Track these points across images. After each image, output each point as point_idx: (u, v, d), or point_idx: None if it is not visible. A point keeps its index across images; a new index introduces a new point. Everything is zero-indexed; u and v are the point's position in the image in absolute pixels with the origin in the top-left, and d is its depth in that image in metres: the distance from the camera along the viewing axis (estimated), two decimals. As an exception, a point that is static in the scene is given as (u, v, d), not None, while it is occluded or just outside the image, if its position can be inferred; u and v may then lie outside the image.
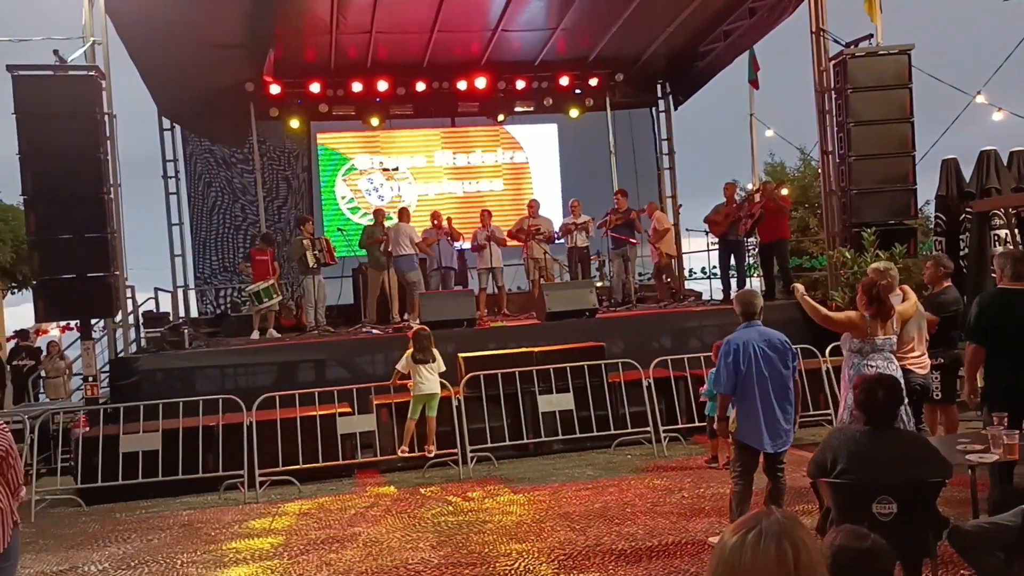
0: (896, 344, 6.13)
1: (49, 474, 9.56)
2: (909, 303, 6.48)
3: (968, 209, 9.52)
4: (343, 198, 16.32)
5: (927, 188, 12.38)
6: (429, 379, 8.87)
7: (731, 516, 5.88)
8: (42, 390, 16.56)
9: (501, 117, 16.19)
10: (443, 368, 9.02)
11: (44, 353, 16.13)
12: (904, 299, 6.55)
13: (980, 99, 13.95)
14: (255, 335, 12.33)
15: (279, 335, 12.46)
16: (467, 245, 14.15)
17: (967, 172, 10.02)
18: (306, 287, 12.65)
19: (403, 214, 13.16)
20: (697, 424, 9.66)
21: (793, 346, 5.82)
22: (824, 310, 6.33)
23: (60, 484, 9.01)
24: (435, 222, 13.50)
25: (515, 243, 13.91)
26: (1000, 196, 9.27)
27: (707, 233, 13.42)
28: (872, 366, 5.84)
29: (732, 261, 13.11)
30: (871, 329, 5.92)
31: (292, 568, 6.14)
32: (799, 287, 6.59)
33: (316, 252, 12.41)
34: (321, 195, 16.24)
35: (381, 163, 16.28)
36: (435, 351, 8.98)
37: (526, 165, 17.07)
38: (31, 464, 8.45)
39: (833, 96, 12.20)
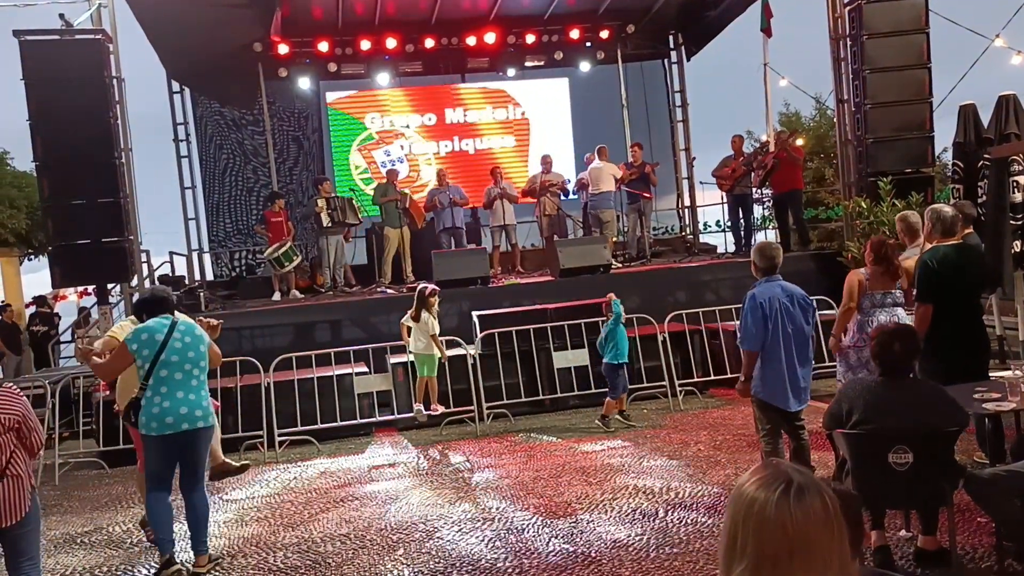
0: (905, 297, 6.13)
1: (72, 437, 9.71)
2: (915, 259, 6.36)
3: (986, 156, 9.36)
4: (356, 167, 16.24)
5: (944, 135, 12.16)
6: (413, 340, 8.72)
7: None
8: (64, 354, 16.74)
9: (512, 72, 16.00)
10: (433, 331, 8.62)
11: (65, 319, 16.26)
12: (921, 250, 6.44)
13: (998, 43, 13.61)
14: (276, 296, 12.35)
15: (301, 295, 12.49)
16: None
17: (985, 118, 9.82)
18: (321, 247, 12.59)
19: (602, 153, 13.46)
20: (713, 377, 9.69)
21: (812, 300, 5.75)
22: (840, 313, 6.23)
23: (83, 447, 9.17)
24: (442, 181, 13.43)
25: (528, 200, 13.83)
26: (1019, 142, 9.09)
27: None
28: (873, 321, 5.85)
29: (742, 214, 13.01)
30: (870, 285, 5.96)
31: (313, 526, 6.22)
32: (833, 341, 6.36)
33: (331, 211, 12.34)
34: (334, 162, 16.17)
35: (392, 123, 16.18)
36: (426, 312, 8.61)
37: (538, 121, 16.91)
38: (53, 428, 8.56)
39: (848, 43, 12.02)
